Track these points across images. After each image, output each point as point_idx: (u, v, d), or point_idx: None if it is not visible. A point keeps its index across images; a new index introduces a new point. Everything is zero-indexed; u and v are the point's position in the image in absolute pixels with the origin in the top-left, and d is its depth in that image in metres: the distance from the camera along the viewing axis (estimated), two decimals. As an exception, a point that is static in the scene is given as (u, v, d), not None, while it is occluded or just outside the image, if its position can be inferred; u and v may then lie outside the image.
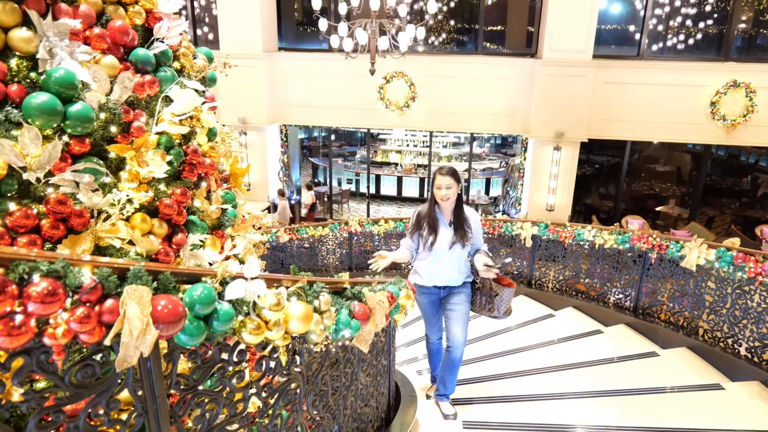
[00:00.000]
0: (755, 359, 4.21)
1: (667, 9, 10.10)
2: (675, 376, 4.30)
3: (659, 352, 4.80)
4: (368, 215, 12.73)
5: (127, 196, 1.70)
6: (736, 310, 4.38)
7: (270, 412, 1.74)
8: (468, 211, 3.43)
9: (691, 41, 10.28)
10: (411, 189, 14.27)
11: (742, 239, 9.37)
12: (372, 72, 6.84)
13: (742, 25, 9.95)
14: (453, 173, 3.25)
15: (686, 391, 4.07)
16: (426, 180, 13.00)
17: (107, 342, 1.11)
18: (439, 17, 11.04)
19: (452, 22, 11.19)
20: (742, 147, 11.45)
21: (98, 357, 1.16)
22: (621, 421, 3.67)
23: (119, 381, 1.23)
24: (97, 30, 1.72)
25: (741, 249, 4.35)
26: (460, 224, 3.34)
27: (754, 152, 11.99)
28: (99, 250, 1.63)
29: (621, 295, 5.62)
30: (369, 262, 3.20)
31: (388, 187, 14.48)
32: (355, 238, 8.16)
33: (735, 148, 11.86)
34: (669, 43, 10.36)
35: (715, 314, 4.60)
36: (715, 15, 10.06)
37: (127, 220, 1.72)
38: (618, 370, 4.50)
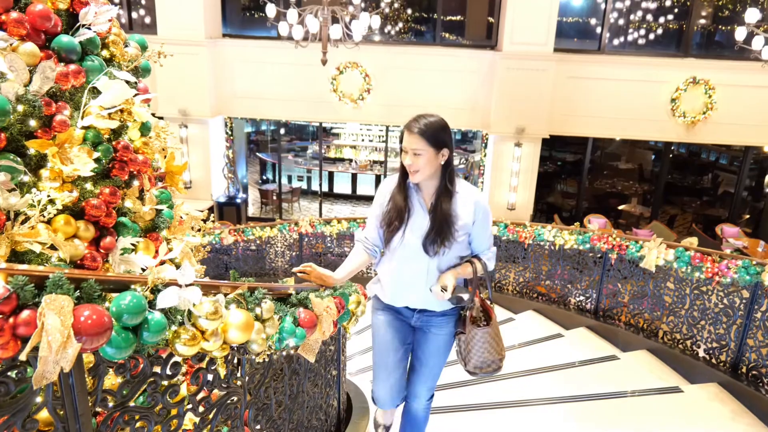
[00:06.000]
0: (713, 360, 4.42)
1: (627, 3, 10.48)
2: (635, 380, 4.47)
3: (620, 355, 4.98)
4: (320, 215, 12.69)
5: (49, 196, 1.65)
6: (695, 311, 4.59)
7: (208, 428, 1.72)
8: (463, 193, 2.33)
9: (651, 36, 10.70)
10: (366, 187, 14.29)
11: (703, 238, 9.82)
12: (324, 62, 6.83)
13: (702, 21, 10.43)
14: (427, 131, 2.18)
15: (646, 395, 4.24)
16: (383, 177, 13.05)
17: (23, 357, 1.08)
18: (395, 5, 11.11)
19: (409, 11, 11.28)
20: (703, 145, 11.99)
21: (13, 373, 1.12)
22: (583, 427, 3.79)
23: (37, 399, 1.20)
24: (14, 14, 1.67)
25: (699, 249, 4.57)
26: (443, 214, 2.27)
27: (715, 150, 12.57)
28: (16, 255, 1.58)
29: (582, 297, 5.80)
30: (294, 270, 2.38)
31: (342, 185, 14.47)
32: (306, 239, 8.12)
33: (696, 146, 12.41)
34: (630, 38, 10.76)
35: (674, 315, 4.81)
36: (675, 10, 10.50)
37: (49, 222, 1.67)
38: (579, 375, 4.65)
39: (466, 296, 2.37)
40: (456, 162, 13.62)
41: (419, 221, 2.32)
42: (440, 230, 2.27)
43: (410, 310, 2.48)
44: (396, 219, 2.33)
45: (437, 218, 2.27)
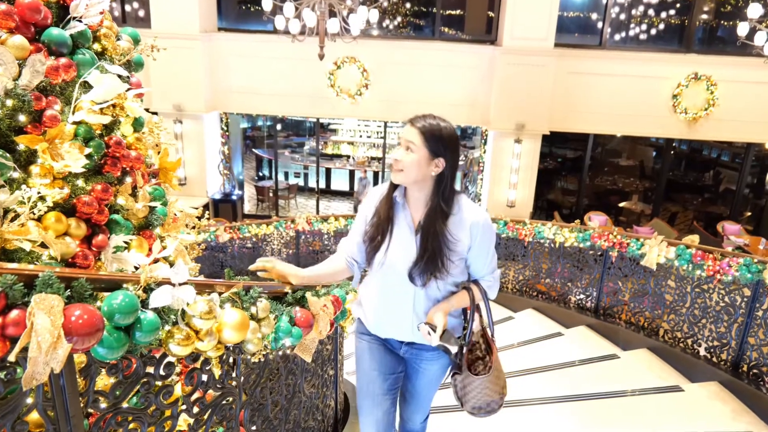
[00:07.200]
0: (714, 359, 4.43)
1: (629, -3, 10.47)
2: (636, 379, 4.48)
3: (620, 354, 4.99)
4: (317, 212, 12.68)
5: (39, 193, 1.63)
6: (696, 309, 4.59)
7: (203, 429, 1.71)
8: (460, 215, 2.04)
9: (653, 31, 10.69)
10: (364, 183, 14.27)
11: (705, 236, 9.83)
12: (321, 57, 6.80)
13: (704, 16, 10.41)
14: (429, 131, 1.93)
15: (647, 394, 4.25)
16: (381, 174, 13.03)
17: (12, 358, 1.07)
18: (394, -1, 11.09)
19: (408, 5, 11.24)
20: (704, 141, 12.00)
21: (2, 374, 1.11)
22: (583, 427, 3.80)
23: (28, 400, 1.19)
24: (3, 6, 1.65)
25: (700, 246, 4.57)
26: (433, 241, 1.98)
27: (716, 147, 12.57)
28: (6, 253, 1.57)
29: (582, 296, 5.81)
30: (251, 268, 2.04)
31: (340, 182, 14.45)
32: (303, 237, 8.11)
33: (697, 143, 12.42)
34: (631, 33, 10.74)
35: (675, 314, 4.81)
36: (677, 5, 10.49)
37: (39, 220, 1.66)
38: (579, 374, 4.66)
39: (453, 349, 2.07)
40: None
41: (404, 241, 2.04)
42: (431, 259, 1.98)
43: (398, 341, 2.23)
44: (378, 234, 2.07)
45: (426, 245, 1.98)
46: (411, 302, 2.08)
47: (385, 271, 2.08)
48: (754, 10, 6.06)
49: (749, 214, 11.80)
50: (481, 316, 2.17)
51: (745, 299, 4.22)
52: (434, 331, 1.94)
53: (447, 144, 1.95)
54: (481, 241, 2.04)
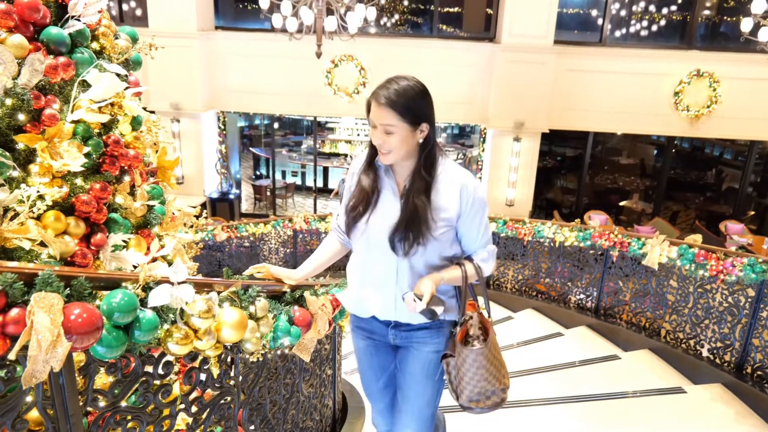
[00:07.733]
0: (717, 361, 4.44)
1: (630, -7, 10.49)
2: (637, 380, 4.49)
3: (621, 354, 5.00)
4: (315, 211, 12.68)
5: (38, 191, 1.65)
6: (698, 309, 4.61)
7: (201, 428, 1.73)
8: (447, 177, 1.90)
9: (654, 28, 10.70)
10: (363, 183, 14.22)
11: (707, 235, 9.84)
12: (318, 55, 6.82)
13: (706, 12, 10.43)
14: (399, 101, 1.76)
15: (648, 396, 4.25)
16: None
17: (12, 356, 1.08)
18: (392, -4, 11.10)
19: (405, 2, 11.25)
20: (707, 139, 12.00)
21: (2, 373, 1.13)
22: (583, 428, 3.81)
23: (27, 399, 1.20)
24: (2, 6, 1.66)
25: (703, 246, 4.58)
26: (415, 203, 1.85)
27: (719, 144, 12.57)
28: (5, 252, 1.58)
29: (582, 296, 5.82)
30: (246, 273, 2.07)
31: (337, 181, 14.43)
32: (301, 236, 8.13)
33: (699, 141, 12.42)
34: (632, 30, 10.75)
35: (677, 314, 4.82)
36: (679, 1, 10.50)
37: (38, 218, 1.68)
38: (579, 375, 4.67)
39: (440, 310, 1.79)
40: (453, 156, 13.36)
41: (388, 208, 1.90)
42: (412, 223, 1.83)
43: (382, 324, 2.07)
44: (361, 203, 1.93)
45: (409, 208, 1.84)
46: (394, 275, 1.93)
47: (367, 239, 1.94)
48: (758, 6, 6.03)
49: (753, 213, 11.80)
50: (476, 300, 2.03)
51: (749, 300, 4.22)
52: (420, 300, 1.76)
53: (422, 103, 1.81)
54: (472, 207, 1.90)
